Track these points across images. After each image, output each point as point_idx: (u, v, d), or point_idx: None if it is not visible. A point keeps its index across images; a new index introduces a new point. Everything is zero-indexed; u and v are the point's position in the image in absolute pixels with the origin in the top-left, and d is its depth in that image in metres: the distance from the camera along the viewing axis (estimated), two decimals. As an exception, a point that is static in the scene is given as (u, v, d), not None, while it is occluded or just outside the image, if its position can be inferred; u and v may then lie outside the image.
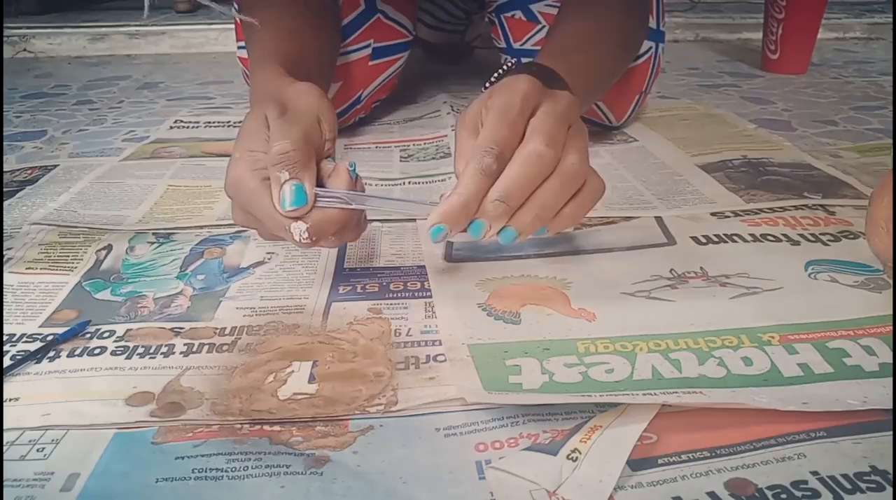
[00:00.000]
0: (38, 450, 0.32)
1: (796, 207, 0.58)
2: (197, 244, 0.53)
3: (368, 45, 0.76)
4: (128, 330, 0.42)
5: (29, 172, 0.70)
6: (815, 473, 0.30)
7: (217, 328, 0.42)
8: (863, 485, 0.29)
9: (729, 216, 0.57)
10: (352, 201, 0.40)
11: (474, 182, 0.38)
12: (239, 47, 0.79)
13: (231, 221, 0.57)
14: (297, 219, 0.39)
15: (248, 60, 0.60)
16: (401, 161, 0.73)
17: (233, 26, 0.88)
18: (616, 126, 0.80)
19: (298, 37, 0.58)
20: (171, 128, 0.85)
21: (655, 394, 0.35)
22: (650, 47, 0.74)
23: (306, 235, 0.39)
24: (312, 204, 0.39)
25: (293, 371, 0.38)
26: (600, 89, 0.64)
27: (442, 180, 0.66)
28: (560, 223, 0.42)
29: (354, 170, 0.42)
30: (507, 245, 0.41)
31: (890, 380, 0.36)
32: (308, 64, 0.56)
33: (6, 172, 0.70)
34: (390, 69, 0.80)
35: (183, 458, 0.32)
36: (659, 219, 0.57)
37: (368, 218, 0.46)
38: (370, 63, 0.77)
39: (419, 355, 0.39)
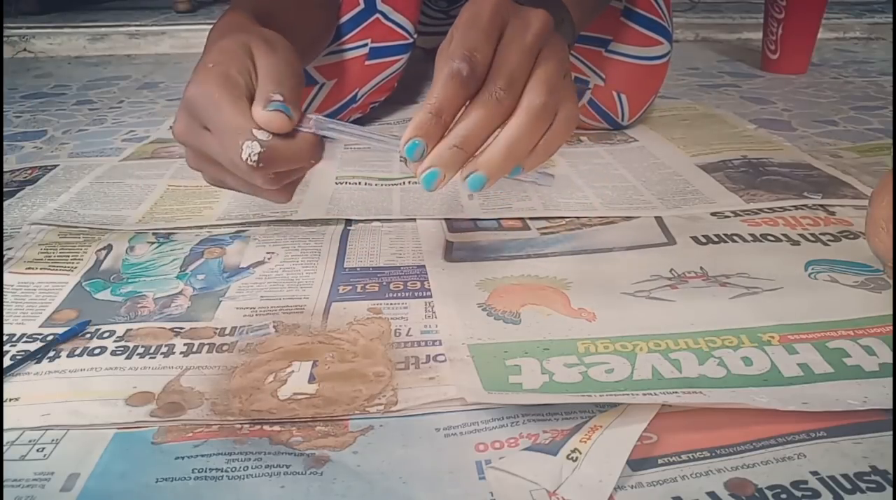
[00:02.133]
0: (38, 450, 0.32)
1: (796, 207, 0.58)
2: (197, 244, 0.53)
3: (365, 45, 0.76)
4: (128, 330, 0.42)
5: (29, 172, 0.70)
6: (815, 473, 0.30)
7: (217, 328, 0.42)
8: (863, 485, 0.29)
9: (729, 216, 0.57)
10: (321, 128, 0.38)
11: (445, 89, 0.35)
12: None
13: (231, 221, 0.57)
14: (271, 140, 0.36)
15: None
16: (401, 160, 0.73)
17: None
18: (623, 126, 0.81)
19: (276, 18, 0.56)
20: (171, 128, 0.85)
21: (655, 394, 0.35)
22: (669, 50, 0.77)
23: (256, 157, 0.36)
24: (292, 127, 0.37)
25: (293, 371, 0.38)
26: (590, 14, 0.60)
27: (442, 180, 0.66)
28: (534, 161, 0.39)
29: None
30: (475, 191, 0.38)
31: (890, 380, 0.36)
32: (279, 22, 0.52)
33: (6, 172, 0.70)
34: (388, 70, 0.80)
35: (183, 458, 0.32)
36: (659, 219, 0.57)
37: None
38: (366, 63, 0.77)
39: (419, 355, 0.39)
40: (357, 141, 0.39)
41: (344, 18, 0.75)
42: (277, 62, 0.39)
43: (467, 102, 0.37)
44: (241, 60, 0.39)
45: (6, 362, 0.38)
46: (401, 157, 0.37)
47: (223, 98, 0.37)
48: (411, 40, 0.81)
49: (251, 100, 0.38)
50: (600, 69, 0.76)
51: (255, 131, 0.36)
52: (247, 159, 0.36)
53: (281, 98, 0.36)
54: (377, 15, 0.76)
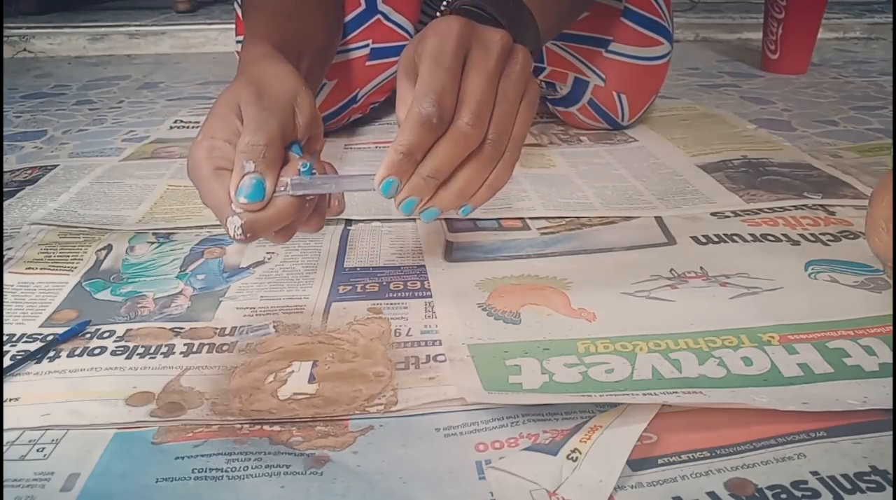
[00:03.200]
0: (38, 450, 0.32)
1: (796, 207, 0.58)
2: (197, 244, 0.53)
3: (367, 45, 0.77)
4: (128, 330, 0.42)
5: (29, 172, 0.70)
6: (815, 473, 0.30)
7: (217, 328, 0.42)
8: (863, 485, 0.29)
9: (729, 216, 0.57)
10: (297, 191, 0.39)
11: (415, 133, 0.37)
12: (237, 41, 0.79)
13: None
14: (250, 212, 0.38)
15: None
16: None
17: (233, 26, 0.88)
18: (624, 126, 0.81)
19: (295, 18, 0.57)
20: (171, 128, 0.85)
21: (655, 394, 0.35)
22: (670, 50, 0.78)
23: (240, 231, 0.38)
24: (268, 201, 0.38)
25: (293, 371, 0.38)
26: (557, 23, 0.60)
27: (442, 180, 0.66)
28: (480, 199, 0.41)
29: (309, 170, 0.40)
30: (427, 221, 0.42)
31: (890, 380, 0.36)
32: (300, 44, 0.55)
33: (6, 172, 0.70)
34: (389, 71, 0.80)
35: (183, 458, 0.32)
36: (659, 219, 0.57)
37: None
38: (367, 63, 0.77)
39: (419, 355, 0.39)
40: (335, 188, 0.41)
41: (346, 19, 0.75)
42: (258, 113, 0.40)
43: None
44: (227, 124, 0.41)
45: (6, 362, 0.38)
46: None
47: (205, 178, 0.40)
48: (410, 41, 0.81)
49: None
50: (600, 69, 0.76)
51: (233, 207, 0.38)
52: (233, 234, 0.38)
53: (252, 169, 0.38)
54: (378, 16, 0.76)
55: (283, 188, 0.39)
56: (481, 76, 0.39)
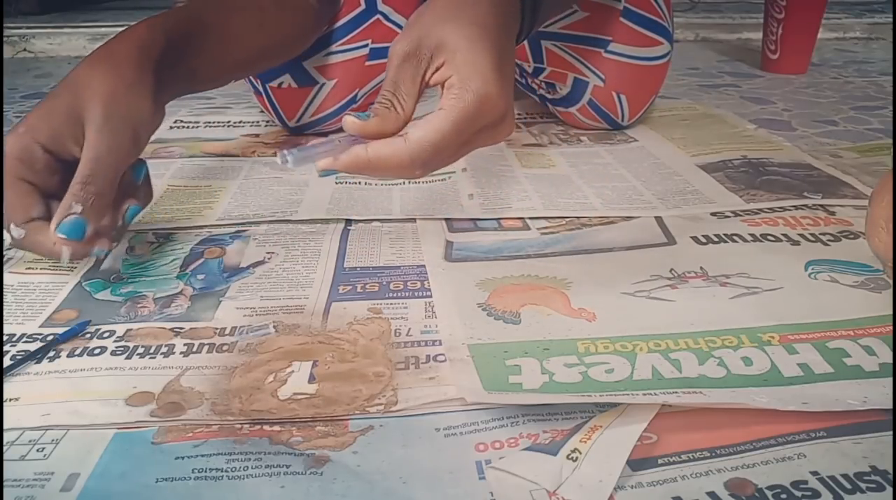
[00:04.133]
0: (38, 450, 0.32)
1: (796, 207, 0.58)
2: (197, 244, 0.53)
3: (366, 45, 0.77)
4: (128, 330, 0.42)
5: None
6: (815, 473, 0.30)
7: (217, 328, 0.42)
8: (863, 485, 0.29)
9: (729, 216, 0.57)
10: (296, 163, 0.40)
11: (382, 168, 0.40)
12: None
13: (231, 221, 0.57)
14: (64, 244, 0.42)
15: None
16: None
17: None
18: (624, 126, 0.81)
19: (220, 11, 0.57)
20: (171, 128, 0.85)
21: (655, 394, 0.35)
22: (669, 50, 0.78)
23: (8, 245, 0.44)
24: (87, 240, 0.42)
25: (293, 371, 0.38)
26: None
27: (442, 180, 0.66)
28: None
29: (132, 214, 0.46)
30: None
31: (890, 380, 0.36)
32: (206, 44, 0.54)
33: (6, 172, 0.70)
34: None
35: (183, 458, 0.32)
36: (659, 219, 0.57)
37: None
38: (367, 63, 0.77)
39: (419, 355, 0.39)
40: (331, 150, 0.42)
41: (345, 19, 0.75)
42: (98, 154, 0.43)
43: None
44: (56, 134, 0.44)
45: (6, 362, 0.38)
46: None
47: (7, 180, 0.43)
48: None
49: (41, 177, 0.44)
50: (600, 70, 0.76)
51: (11, 227, 0.43)
52: (8, 242, 0.43)
53: (78, 211, 0.42)
54: (378, 16, 0.76)
55: (284, 163, 0.39)
56: (471, 148, 0.42)
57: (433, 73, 0.41)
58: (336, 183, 0.66)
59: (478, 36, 0.40)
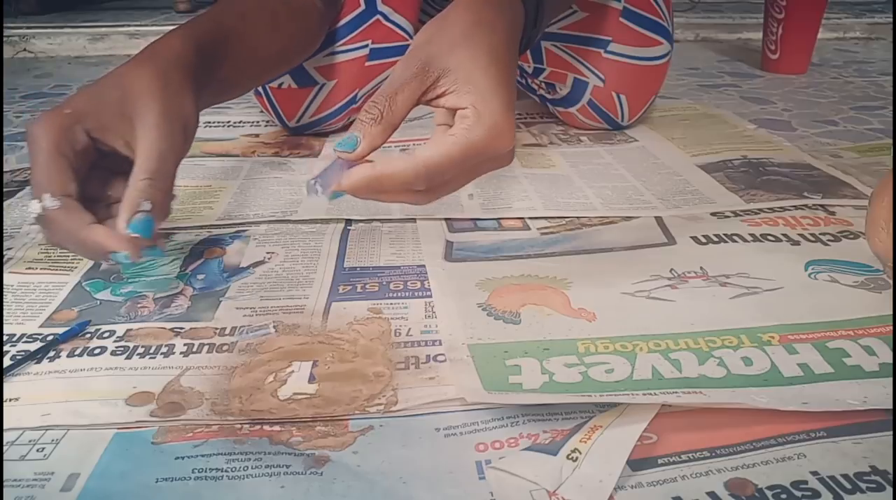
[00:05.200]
0: (38, 450, 0.32)
1: (796, 207, 0.58)
2: (197, 244, 0.53)
3: (366, 46, 0.77)
4: (128, 330, 0.42)
5: (29, 172, 0.70)
6: (815, 473, 0.30)
7: (217, 328, 0.42)
8: (863, 485, 0.29)
9: (729, 216, 0.57)
10: (325, 190, 0.40)
11: (393, 189, 0.40)
12: None
13: (231, 221, 0.57)
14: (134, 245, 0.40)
15: None
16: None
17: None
18: (624, 126, 0.81)
19: (243, 19, 0.57)
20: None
21: (655, 394, 0.35)
22: (670, 50, 0.78)
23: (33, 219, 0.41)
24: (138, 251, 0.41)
25: (293, 371, 0.38)
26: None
27: (442, 180, 0.66)
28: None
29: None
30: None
31: (890, 380, 0.36)
32: (230, 50, 0.55)
33: (6, 172, 0.70)
34: (389, 71, 0.80)
35: (183, 458, 0.32)
36: (659, 219, 0.57)
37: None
38: (367, 64, 0.77)
39: (419, 355, 0.39)
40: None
41: (345, 20, 0.75)
42: (161, 150, 0.42)
43: None
44: (104, 120, 0.43)
45: (6, 362, 0.38)
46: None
47: (46, 151, 0.41)
48: (410, 42, 0.80)
49: (79, 157, 0.42)
50: (600, 70, 0.76)
51: (46, 197, 0.41)
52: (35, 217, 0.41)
53: (147, 208, 0.41)
54: (378, 16, 0.76)
55: (314, 193, 0.40)
56: (473, 176, 0.42)
57: (436, 96, 0.41)
58: (336, 183, 0.65)
59: (495, 70, 0.41)
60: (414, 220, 0.57)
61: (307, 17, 0.68)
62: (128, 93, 0.43)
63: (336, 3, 0.74)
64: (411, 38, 0.80)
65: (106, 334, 0.41)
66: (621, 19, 0.74)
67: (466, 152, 0.39)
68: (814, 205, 0.58)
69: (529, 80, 0.83)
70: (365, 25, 0.76)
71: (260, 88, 0.77)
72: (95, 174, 0.44)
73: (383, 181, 0.39)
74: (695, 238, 0.53)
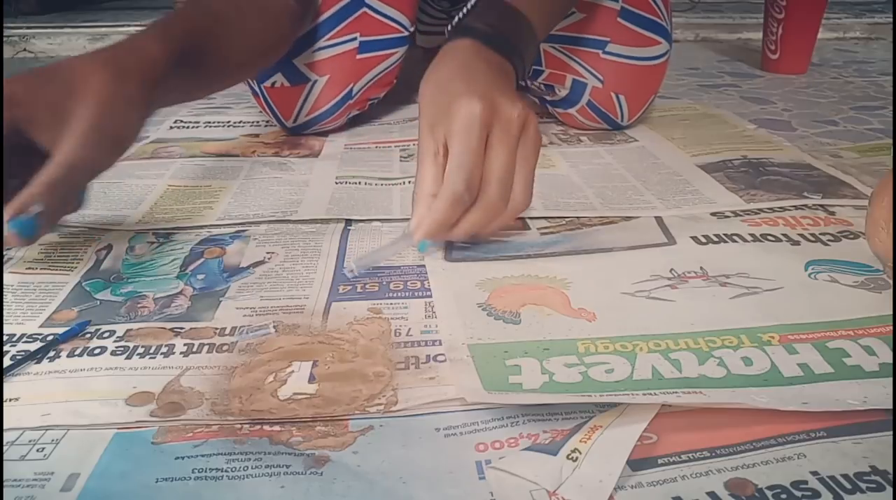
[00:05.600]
0: (38, 450, 0.32)
1: (796, 207, 0.58)
2: (197, 244, 0.53)
3: (354, 39, 0.76)
4: (128, 330, 0.42)
5: (29, 172, 0.70)
6: (815, 473, 0.30)
7: (217, 328, 0.42)
8: (863, 485, 0.29)
9: (729, 216, 0.57)
10: (360, 270, 0.48)
11: (450, 209, 0.45)
12: None
13: (231, 221, 0.57)
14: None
15: None
16: (401, 161, 0.73)
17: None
18: (623, 126, 0.81)
19: (216, 20, 0.58)
20: (171, 128, 0.85)
21: (655, 394, 0.35)
22: (668, 49, 0.77)
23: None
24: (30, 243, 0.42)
25: (293, 371, 0.38)
26: (550, 24, 0.66)
27: (442, 180, 0.66)
28: (482, 237, 0.51)
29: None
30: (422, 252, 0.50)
31: (890, 380, 0.36)
32: (213, 38, 0.56)
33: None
34: (384, 64, 0.79)
35: (183, 458, 0.32)
36: (659, 219, 0.57)
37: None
38: (358, 57, 0.77)
39: (419, 355, 0.39)
40: (388, 255, 0.50)
41: (328, 14, 0.75)
42: (79, 150, 0.42)
43: None
44: (41, 116, 0.43)
45: (6, 362, 0.38)
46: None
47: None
48: (407, 33, 0.80)
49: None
50: (598, 71, 0.76)
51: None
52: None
53: (38, 210, 0.40)
54: (364, 8, 0.76)
55: (350, 274, 0.48)
56: (505, 153, 0.46)
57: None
58: (336, 183, 0.66)
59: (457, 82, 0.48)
60: (414, 220, 0.57)
61: (278, 16, 0.67)
62: (70, 93, 0.43)
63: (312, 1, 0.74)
64: (406, 29, 0.80)
65: (106, 334, 0.41)
66: (619, 19, 0.74)
67: (424, 124, 0.46)
68: (814, 205, 0.58)
69: (528, 83, 0.83)
70: (350, 18, 0.76)
71: (256, 89, 0.77)
72: (16, 151, 0.43)
73: (444, 218, 0.45)
74: (695, 238, 0.53)
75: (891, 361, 0.37)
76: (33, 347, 0.40)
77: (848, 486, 0.29)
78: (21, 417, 0.34)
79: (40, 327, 0.42)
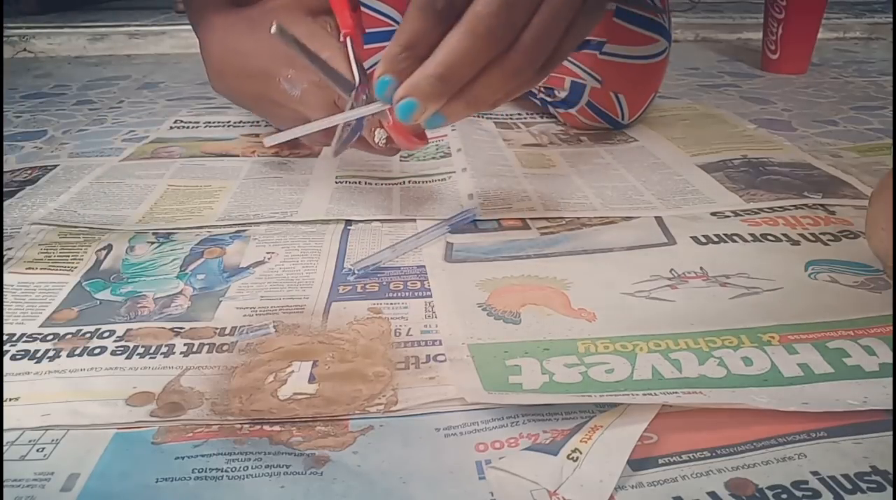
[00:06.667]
0: (38, 450, 0.32)
1: (796, 207, 0.58)
2: (197, 244, 0.53)
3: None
4: (128, 330, 0.42)
5: (29, 172, 0.70)
6: (815, 473, 0.30)
7: (217, 328, 0.42)
8: (863, 485, 0.29)
9: (729, 216, 0.57)
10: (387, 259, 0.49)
11: (417, 21, 0.31)
12: None
13: (231, 221, 0.57)
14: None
15: None
16: (401, 160, 0.73)
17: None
18: (624, 125, 0.81)
19: None
20: (172, 128, 0.85)
21: (655, 394, 0.35)
22: (667, 46, 0.77)
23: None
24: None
25: (293, 371, 0.38)
26: None
27: (441, 180, 0.66)
28: (492, 106, 0.36)
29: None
30: (430, 127, 0.37)
31: (890, 380, 0.36)
32: None
33: (6, 172, 0.70)
34: (375, 57, 0.79)
35: (183, 458, 0.32)
36: (659, 219, 0.57)
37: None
38: None
39: (419, 355, 0.39)
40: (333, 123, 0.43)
41: None
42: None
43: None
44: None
45: (6, 362, 0.38)
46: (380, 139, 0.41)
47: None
48: (397, 28, 0.80)
49: None
50: (596, 72, 0.76)
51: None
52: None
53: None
54: None
55: (352, 275, 0.47)
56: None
57: None
58: (336, 183, 0.66)
59: None
60: (414, 220, 0.57)
61: None
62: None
63: None
64: (398, 24, 0.79)
65: (106, 334, 0.41)
66: (615, 19, 0.74)
67: None
68: (814, 204, 0.58)
69: None
70: None
71: None
72: None
73: (410, 35, 0.31)
74: (695, 238, 0.53)
75: (891, 361, 0.37)
76: (33, 347, 0.40)
77: (848, 486, 0.29)
78: (21, 417, 0.34)
79: (40, 326, 0.42)
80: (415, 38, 0.32)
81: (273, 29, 0.37)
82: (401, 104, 0.33)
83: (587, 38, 0.75)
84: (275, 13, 0.51)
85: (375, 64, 0.80)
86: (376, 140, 0.38)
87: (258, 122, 0.87)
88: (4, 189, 0.64)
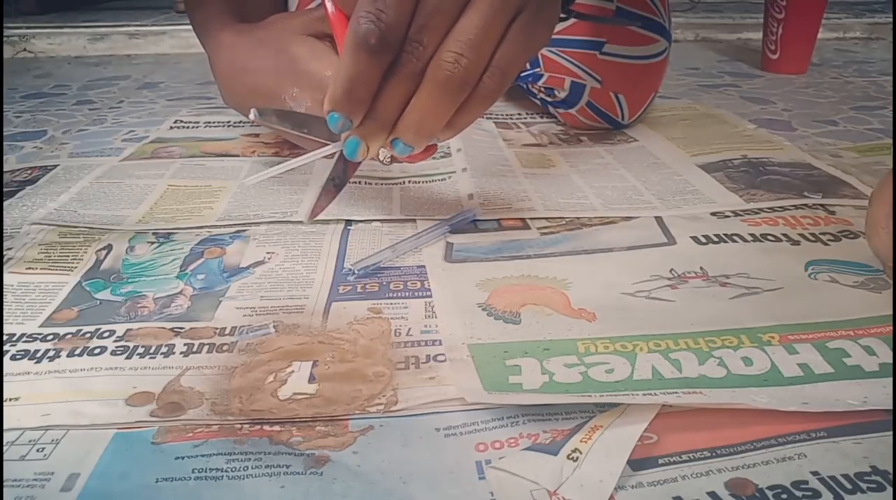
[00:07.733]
0: (38, 450, 0.32)
1: (796, 207, 0.58)
2: (197, 244, 0.53)
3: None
4: (128, 330, 0.42)
5: (29, 172, 0.70)
6: (815, 473, 0.30)
7: (217, 328, 0.42)
8: (863, 485, 0.29)
9: (729, 216, 0.57)
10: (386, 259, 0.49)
11: (354, 62, 0.31)
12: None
13: (231, 221, 0.57)
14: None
15: None
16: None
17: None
18: (624, 125, 0.81)
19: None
20: (172, 128, 0.85)
21: (655, 394, 0.35)
22: (667, 46, 0.77)
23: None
24: None
25: (293, 371, 0.38)
26: None
27: (442, 180, 0.66)
28: (448, 134, 0.37)
29: None
30: (403, 156, 0.37)
31: (890, 380, 0.36)
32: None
33: (6, 172, 0.70)
34: None
35: (183, 458, 0.32)
36: (659, 219, 0.57)
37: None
38: None
39: (419, 355, 0.39)
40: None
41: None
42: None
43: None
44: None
45: (6, 361, 0.38)
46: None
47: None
48: None
49: None
50: (596, 72, 0.76)
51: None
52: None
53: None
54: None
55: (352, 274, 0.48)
56: (485, 5, 0.31)
57: None
58: (336, 183, 0.65)
59: None
60: (414, 220, 0.57)
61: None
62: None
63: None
64: None
65: (106, 334, 0.41)
66: (615, 19, 0.74)
67: None
68: (814, 204, 0.58)
69: (529, 86, 0.83)
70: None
71: None
72: None
73: (349, 78, 0.31)
74: (695, 238, 0.53)
75: (891, 361, 0.37)
76: (33, 347, 0.40)
77: (848, 486, 0.29)
78: (21, 417, 0.34)
79: (40, 326, 0.42)
80: (352, 82, 0.32)
81: (252, 115, 0.44)
82: (347, 142, 0.36)
83: (586, 38, 0.75)
84: (281, 35, 0.52)
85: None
86: (381, 158, 0.38)
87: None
88: (4, 189, 0.64)
